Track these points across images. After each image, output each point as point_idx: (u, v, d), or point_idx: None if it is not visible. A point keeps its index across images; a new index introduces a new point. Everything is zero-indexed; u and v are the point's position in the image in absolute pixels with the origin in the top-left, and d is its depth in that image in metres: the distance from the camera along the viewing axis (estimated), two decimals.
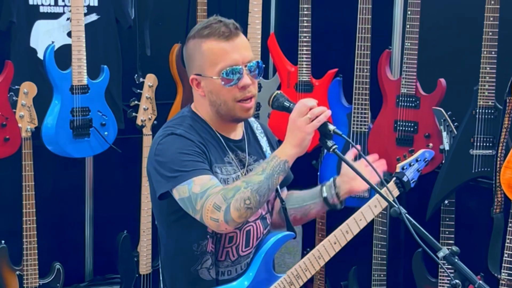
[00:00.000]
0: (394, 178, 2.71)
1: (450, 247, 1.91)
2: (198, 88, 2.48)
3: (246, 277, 2.58)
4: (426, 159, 2.79)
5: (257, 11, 4.05)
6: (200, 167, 2.37)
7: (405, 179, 2.69)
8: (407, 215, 2.00)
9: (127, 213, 4.41)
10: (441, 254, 1.93)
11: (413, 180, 2.74)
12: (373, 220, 3.87)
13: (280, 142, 2.44)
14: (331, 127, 2.31)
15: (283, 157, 2.34)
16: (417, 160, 2.76)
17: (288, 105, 2.40)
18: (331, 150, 2.31)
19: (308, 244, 4.26)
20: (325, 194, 2.58)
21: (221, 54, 2.40)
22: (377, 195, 2.45)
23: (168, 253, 2.59)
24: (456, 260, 1.92)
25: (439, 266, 2.04)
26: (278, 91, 2.44)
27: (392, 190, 2.67)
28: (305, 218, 2.67)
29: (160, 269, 2.67)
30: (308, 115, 2.31)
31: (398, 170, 2.71)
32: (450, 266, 1.98)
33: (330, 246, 2.62)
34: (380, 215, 3.91)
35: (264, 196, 2.32)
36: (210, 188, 2.32)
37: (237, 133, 2.58)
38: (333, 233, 2.63)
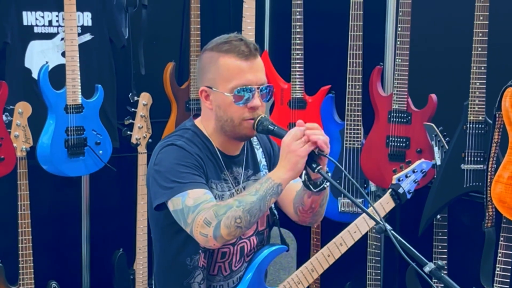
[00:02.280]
0: (390, 190, 2.72)
1: (436, 261, 1.93)
2: (206, 101, 2.49)
3: None
4: (423, 170, 2.80)
5: (251, 29, 4.07)
6: (196, 180, 2.39)
7: (400, 190, 2.70)
8: (392, 231, 2.02)
9: (123, 231, 4.41)
10: (427, 268, 1.95)
11: (410, 191, 2.75)
12: (367, 235, 3.90)
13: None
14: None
15: (277, 180, 2.34)
16: (413, 171, 2.77)
17: (272, 128, 2.41)
18: (316, 170, 2.32)
19: (303, 260, 4.24)
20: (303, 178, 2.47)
21: (237, 72, 2.42)
22: (371, 208, 2.45)
23: (162, 265, 2.62)
24: (442, 274, 1.94)
25: (432, 281, 2.05)
26: (262, 115, 2.45)
27: (387, 202, 2.69)
28: (307, 207, 2.53)
29: (153, 281, 2.70)
30: (302, 139, 2.31)
31: (394, 181, 2.72)
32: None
33: (323, 259, 2.63)
34: (374, 231, 3.91)
35: (255, 217, 2.34)
36: (203, 203, 2.34)
37: (237, 148, 2.60)
38: (327, 246, 2.64)
